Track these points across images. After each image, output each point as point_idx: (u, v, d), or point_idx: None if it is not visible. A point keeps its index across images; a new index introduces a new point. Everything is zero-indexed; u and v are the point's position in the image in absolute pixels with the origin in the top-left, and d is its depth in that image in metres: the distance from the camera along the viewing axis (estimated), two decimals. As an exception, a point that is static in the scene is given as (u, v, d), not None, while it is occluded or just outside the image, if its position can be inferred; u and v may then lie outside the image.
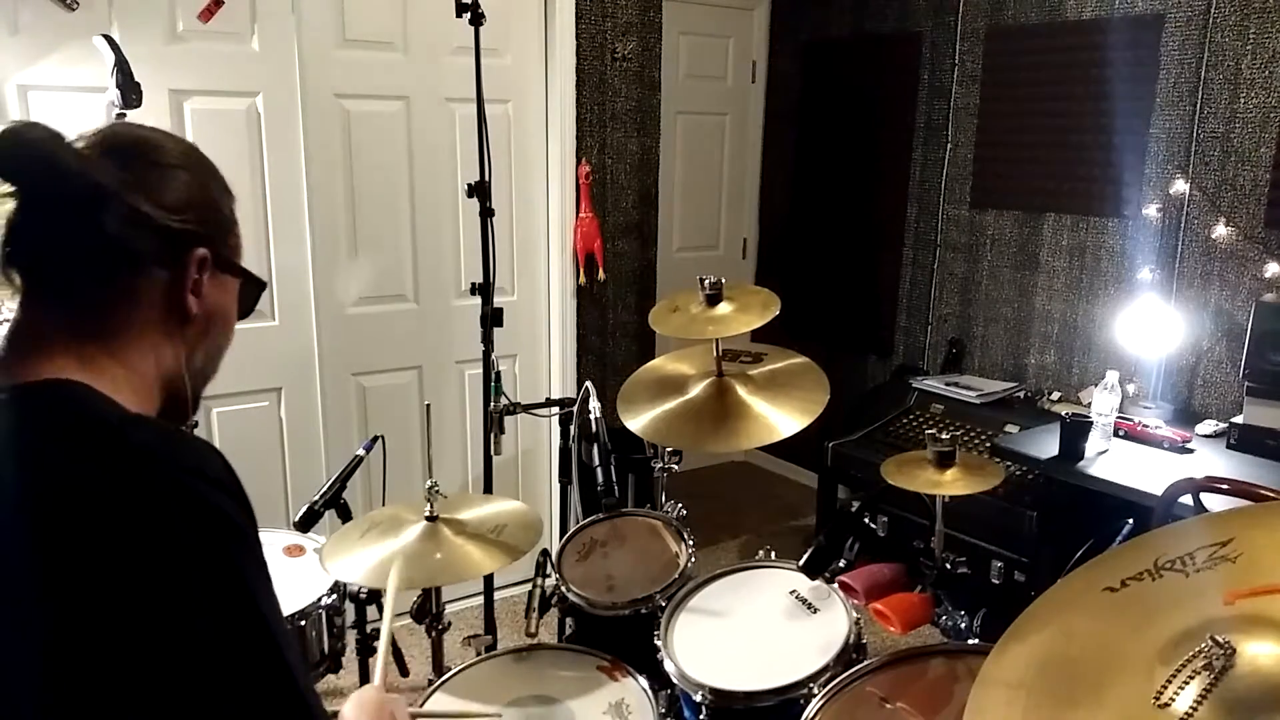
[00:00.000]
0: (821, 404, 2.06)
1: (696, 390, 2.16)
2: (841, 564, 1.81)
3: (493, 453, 2.68)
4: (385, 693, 1.13)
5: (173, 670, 0.74)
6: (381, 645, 1.28)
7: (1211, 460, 2.80)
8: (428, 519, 1.86)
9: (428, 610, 1.98)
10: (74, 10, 2.60)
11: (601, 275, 3.70)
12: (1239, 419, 2.88)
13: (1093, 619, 1.00)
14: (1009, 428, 3.33)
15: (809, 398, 2.08)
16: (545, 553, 2.16)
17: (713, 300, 2.12)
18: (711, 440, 2.11)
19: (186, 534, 0.76)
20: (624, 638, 1.93)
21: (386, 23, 3.15)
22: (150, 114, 2.58)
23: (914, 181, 4.12)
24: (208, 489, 0.79)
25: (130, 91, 2.31)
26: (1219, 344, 3.16)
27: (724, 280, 2.14)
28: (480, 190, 2.69)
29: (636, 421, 2.14)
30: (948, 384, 3.72)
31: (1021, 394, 3.64)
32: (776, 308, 2.09)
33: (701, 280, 2.13)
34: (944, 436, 2.09)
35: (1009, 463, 3.05)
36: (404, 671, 2.47)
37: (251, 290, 1.00)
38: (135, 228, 0.85)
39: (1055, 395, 3.56)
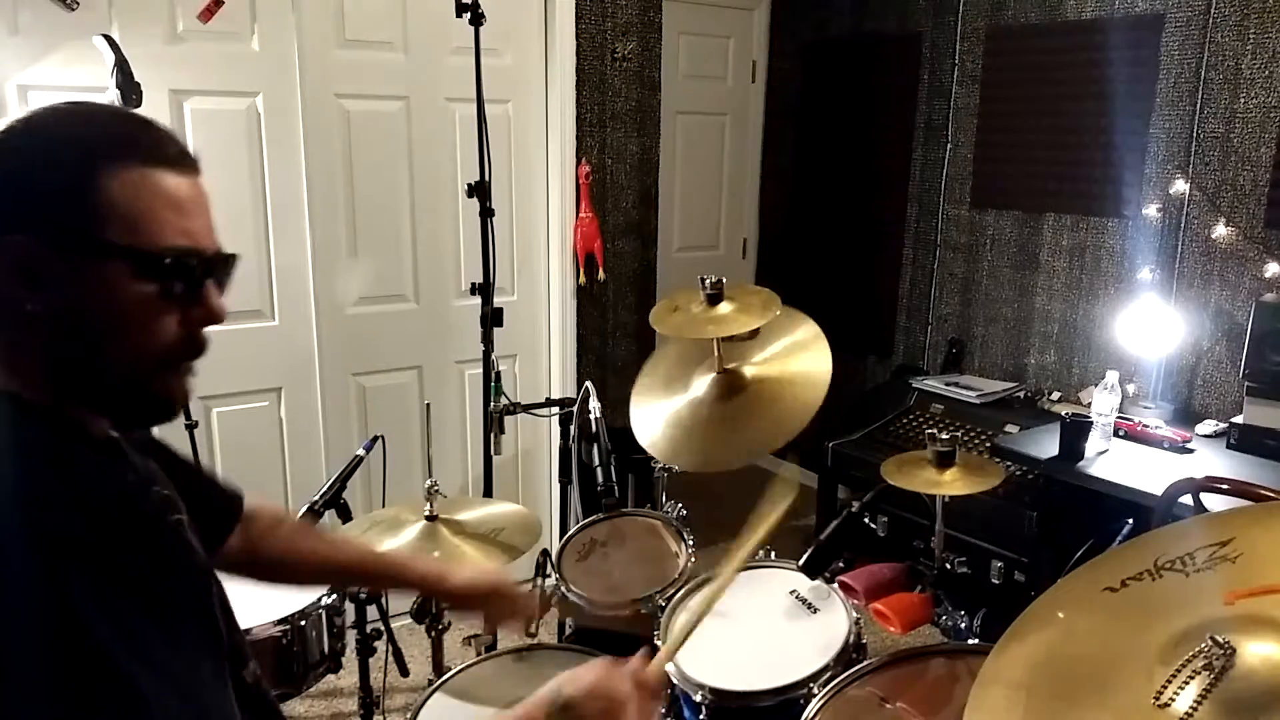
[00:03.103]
0: (824, 380, 1.98)
1: (699, 392, 2.15)
2: (841, 564, 1.80)
3: (493, 453, 2.68)
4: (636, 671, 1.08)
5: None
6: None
7: (1211, 460, 2.79)
8: (427, 519, 1.86)
9: (428, 610, 1.98)
10: (74, 10, 2.59)
11: (601, 275, 3.70)
12: (1239, 419, 2.88)
13: (1093, 619, 1.00)
14: (1009, 428, 3.33)
15: (810, 381, 2.03)
16: (545, 553, 2.16)
17: (713, 300, 2.11)
18: (723, 452, 2.11)
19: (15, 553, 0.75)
20: (624, 638, 1.93)
21: (386, 23, 3.15)
22: (150, 114, 2.57)
23: (914, 181, 4.12)
24: (45, 512, 0.77)
25: (130, 91, 2.31)
26: (1219, 344, 3.16)
27: (724, 280, 2.14)
28: (480, 190, 2.69)
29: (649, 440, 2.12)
30: (948, 384, 3.72)
31: (1021, 394, 3.64)
32: (777, 308, 2.08)
33: (702, 280, 2.12)
34: (944, 436, 2.08)
35: (1009, 463, 3.05)
36: (404, 671, 2.47)
37: (175, 274, 0.85)
38: None
39: (1055, 395, 3.56)
